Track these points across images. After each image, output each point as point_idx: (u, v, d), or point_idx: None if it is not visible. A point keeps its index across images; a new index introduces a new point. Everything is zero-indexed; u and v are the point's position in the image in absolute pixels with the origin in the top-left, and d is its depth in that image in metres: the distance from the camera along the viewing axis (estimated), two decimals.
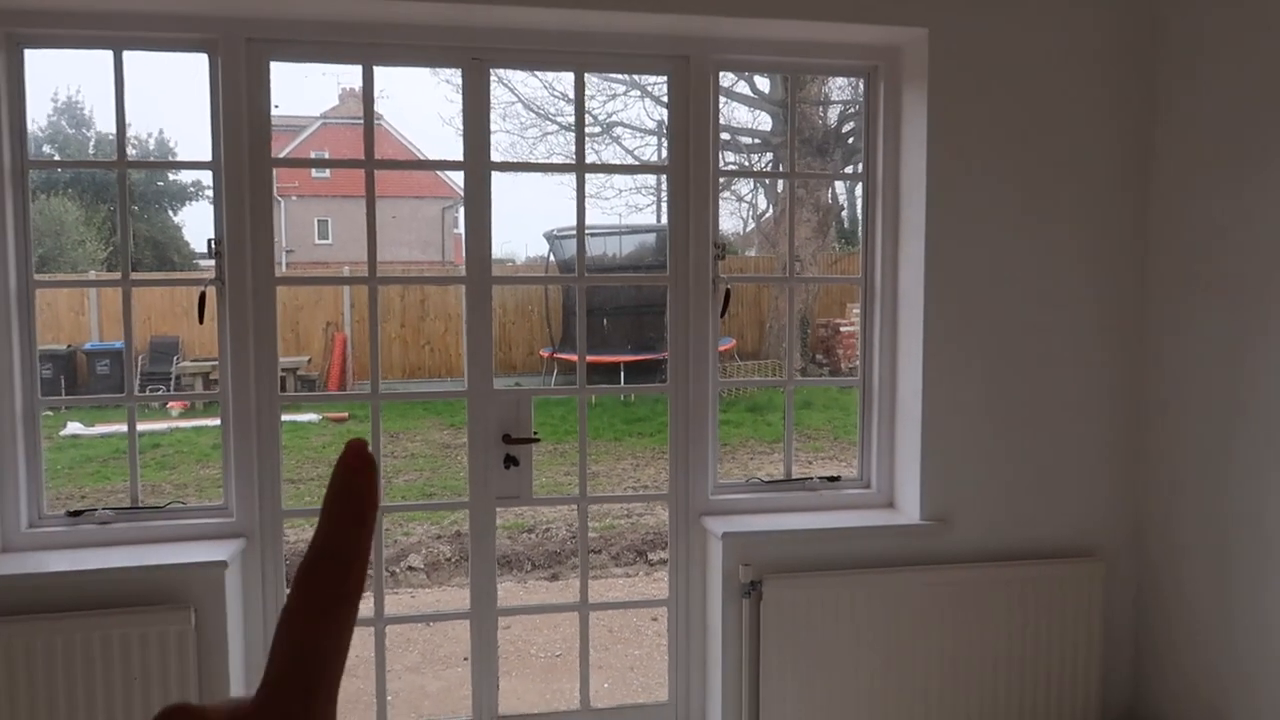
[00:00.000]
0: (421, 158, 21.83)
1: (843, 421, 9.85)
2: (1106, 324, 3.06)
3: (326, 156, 22.23)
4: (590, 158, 14.73)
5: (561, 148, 14.77)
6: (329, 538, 0.33)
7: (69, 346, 11.83)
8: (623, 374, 10.98)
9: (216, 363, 2.87)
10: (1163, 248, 3.01)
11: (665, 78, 2.98)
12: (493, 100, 3.03)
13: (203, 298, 2.76)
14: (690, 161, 2.95)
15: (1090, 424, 3.07)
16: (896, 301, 3.08)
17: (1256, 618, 2.69)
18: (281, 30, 2.72)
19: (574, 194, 3.01)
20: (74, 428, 9.80)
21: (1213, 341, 2.82)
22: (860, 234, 3.20)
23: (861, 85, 3.14)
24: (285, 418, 10.04)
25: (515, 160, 14.33)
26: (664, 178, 2.98)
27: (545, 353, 12.48)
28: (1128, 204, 3.04)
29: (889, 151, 3.05)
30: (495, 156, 3.01)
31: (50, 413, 10.13)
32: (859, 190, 3.18)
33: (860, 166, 3.16)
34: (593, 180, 15.98)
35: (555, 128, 14.82)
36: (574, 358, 3.06)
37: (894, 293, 3.08)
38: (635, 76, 13.14)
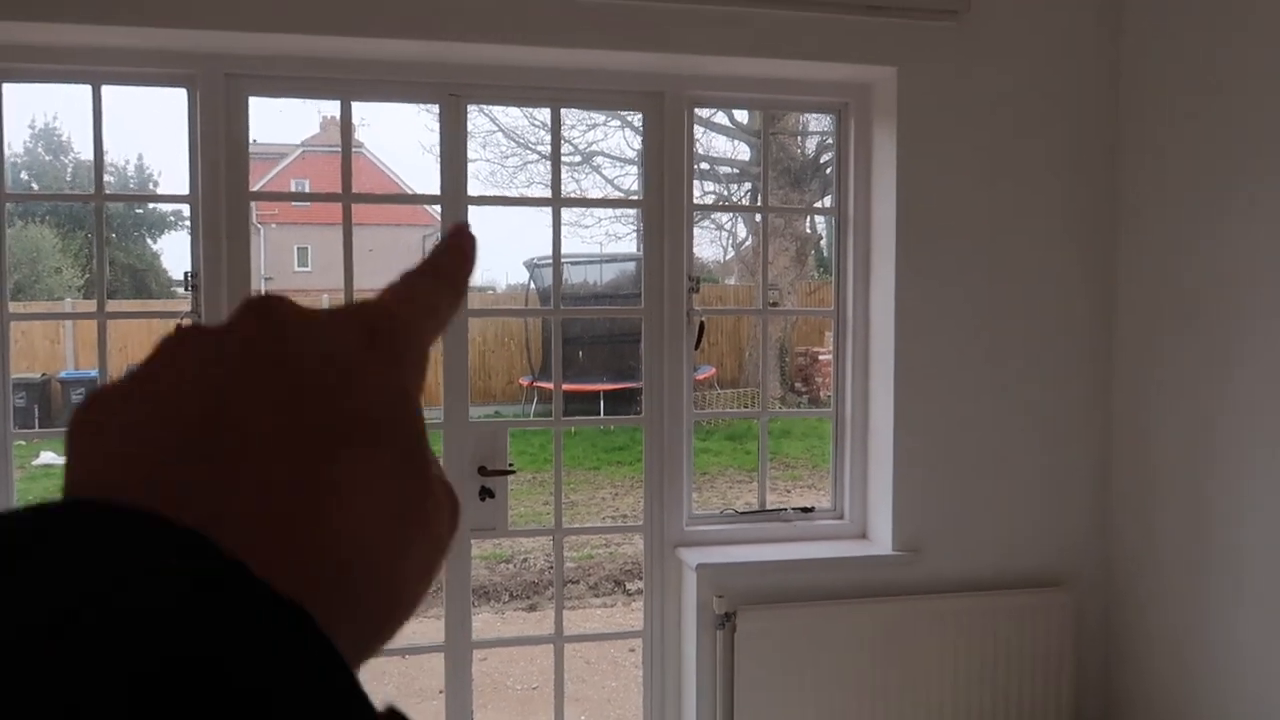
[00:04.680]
0: (402, 185, 21.88)
1: (821, 450, 9.88)
2: (1076, 356, 3.11)
3: (307, 184, 22.21)
4: (570, 187, 14.80)
5: (542, 176, 14.82)
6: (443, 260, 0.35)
7: (44, 375, 11.72)
8: (602, 402, 10.99)
9: None
10: (1133, 278, 3.07)
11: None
12: (473, 128, 3.07)
13: None
14: (665, 195, 2.99)
15: (1060, 456, 3.11)
16: (868, 333, 3.12)
17: (1228, 649, 2.72)
18: (260, 66, 2.75)
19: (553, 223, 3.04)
20: (47, 457, 9.69)
21: (1183, 372, 2.88)
22: (833, 267, 3.25)
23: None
24: None
25: (495, 191, 14.40)
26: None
27: (525, 381, 12.47)
28: (1097, 236, 3.10)
29: (860, 186, 3.11)
30: (475, 185, 3.05)
31: (23, 442, 10.02)
32: (833, 221, 3.23)
33: (833, 198, 3.21)
34: (574, 209, 16.06)
35: (535, 156, 14.88)
36: (553, 386, 3.09)
37: (865, 325, 3.12)
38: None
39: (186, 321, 2.70)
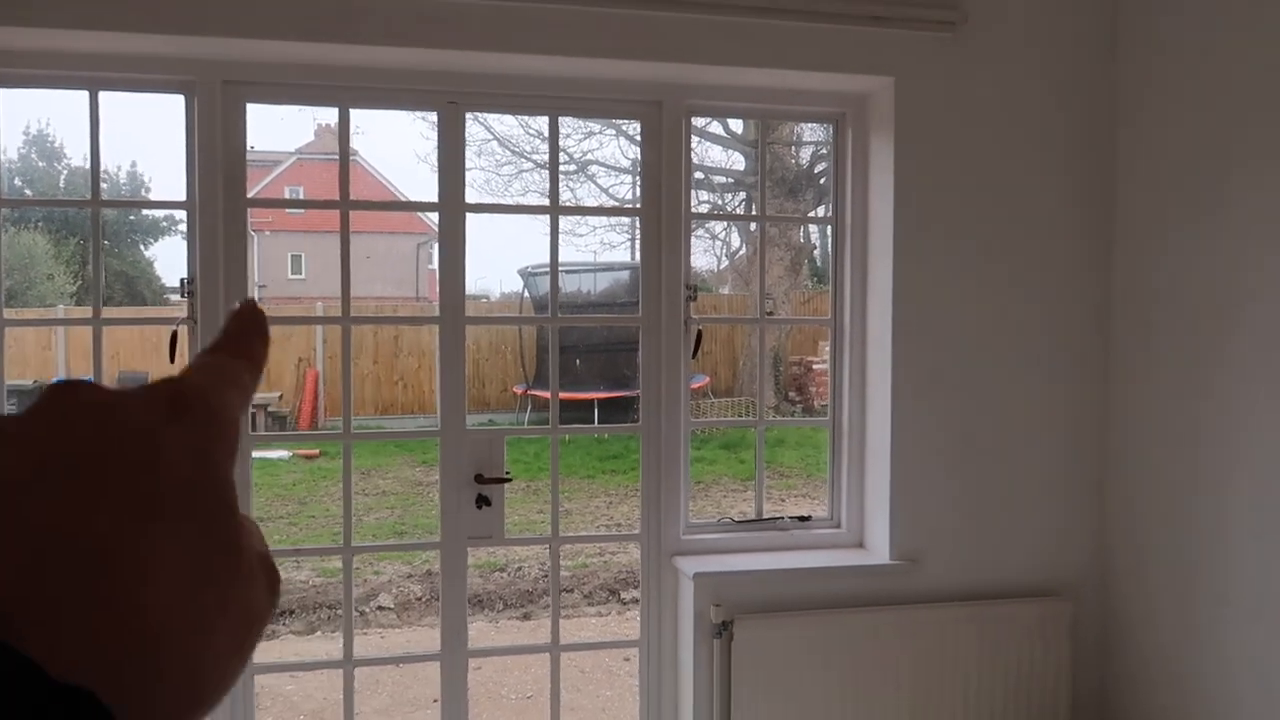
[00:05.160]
0: (397, 193, 21.85)
1: (815, 459, 9.87)
2: (1074, 365, 3.12)
3: (301, 191, 22.20)
4: (565, 195, 14.81)
5: (537, 185, 14.83)
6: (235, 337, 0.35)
7: (35, 382, 11.66)
8: (596, 411, 10.97)
9: None
10: (1125, 287, 3.08)
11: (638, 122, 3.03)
12: (469, 136, 3.07)
13: (175, 337, 2.76)
14: (662, 204, 3.00)
15: (1057, 465, 3.12)
16: (865, 343, 3.12)
17: (1222, 655, 2.72)
18: (259, 73, 2.75)
19: (548, 231, 3.03)
20: None
21: (1182, 382, 2.88)
22: (830, 276, 3.26)
23: (831, 129, 3.21)
24: (255, 454, 9.93)
25: (490, 199, 14.40)
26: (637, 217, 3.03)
27: (519, 389, 12.46)
28: (1090, 248, 3.11)
29: (857, 196, 3.11)
30: (470, 193, 3.05)
31: None
32: (830, 230, 3.24)
33: (829, 208, 3.22)
34: (567, 217, 16.07)
35: (530, 165, 14.90)
36: (548, 394, 3.08)
37: (863, 334, 3.13)
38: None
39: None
